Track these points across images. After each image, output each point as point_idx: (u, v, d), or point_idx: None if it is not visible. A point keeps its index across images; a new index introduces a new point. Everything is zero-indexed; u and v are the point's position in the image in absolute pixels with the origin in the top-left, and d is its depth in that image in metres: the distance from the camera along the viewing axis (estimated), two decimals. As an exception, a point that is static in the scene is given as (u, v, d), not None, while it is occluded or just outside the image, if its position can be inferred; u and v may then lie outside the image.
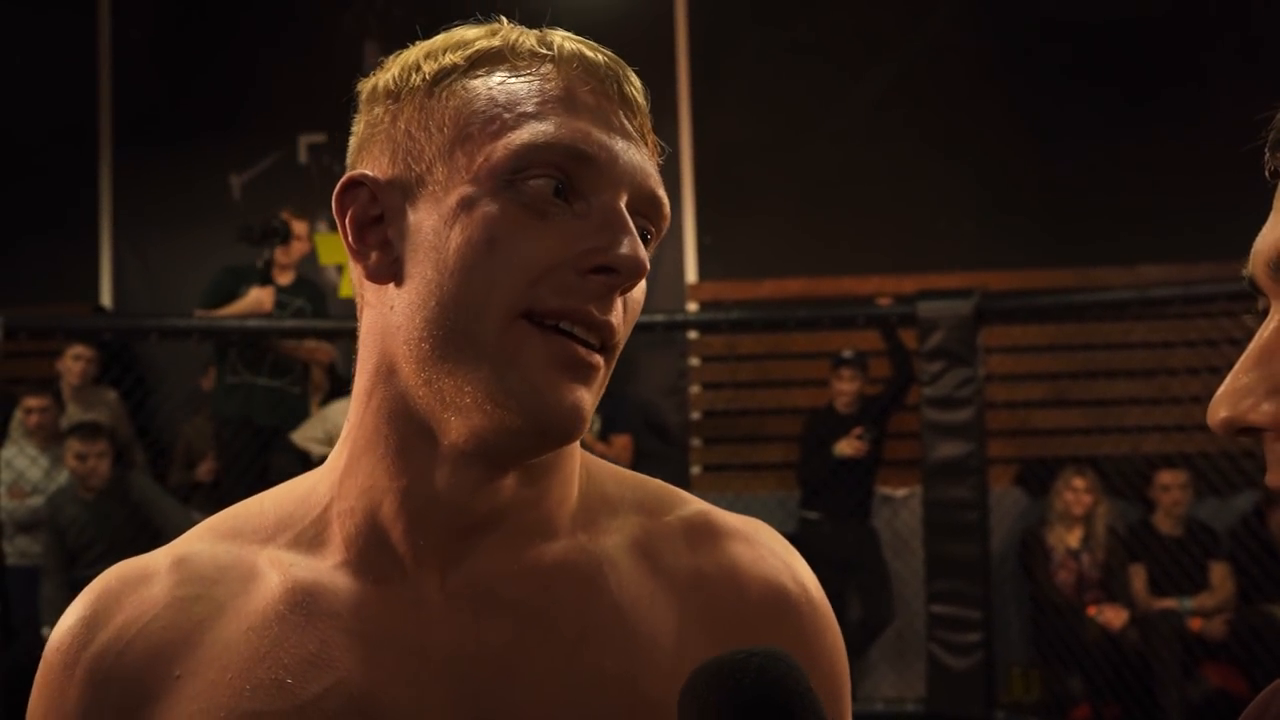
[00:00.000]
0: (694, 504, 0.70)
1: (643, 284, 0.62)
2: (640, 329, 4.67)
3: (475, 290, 0.58)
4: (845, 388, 4.63)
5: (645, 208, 0.62)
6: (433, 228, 0.59)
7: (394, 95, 0.63)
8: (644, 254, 0.59)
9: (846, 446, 4.52)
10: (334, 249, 5.34)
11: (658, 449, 5.07)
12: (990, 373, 4.41)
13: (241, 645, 0.61)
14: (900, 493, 4.84)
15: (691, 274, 5.27)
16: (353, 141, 0.65)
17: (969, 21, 5.18)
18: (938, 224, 5.11)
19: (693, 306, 5.23)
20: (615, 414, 4.73)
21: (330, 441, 3.98)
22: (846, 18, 5.21)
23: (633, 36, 5.14)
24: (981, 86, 5.14)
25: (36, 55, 5.45)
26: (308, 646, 0.61)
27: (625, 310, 0.61)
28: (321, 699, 0.60)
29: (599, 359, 0.60)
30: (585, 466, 0.68)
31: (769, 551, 0.68)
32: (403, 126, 0.62)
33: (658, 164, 0.64)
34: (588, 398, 0.60)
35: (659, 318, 4.56)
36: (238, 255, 4.63)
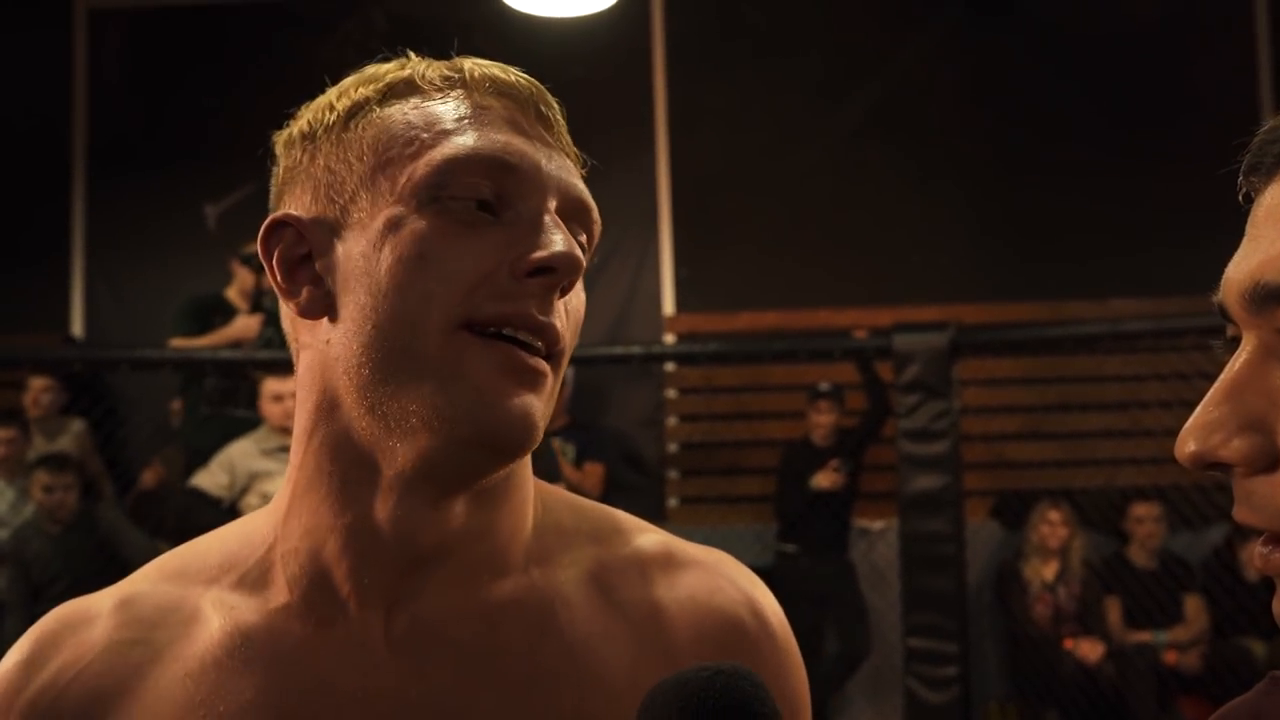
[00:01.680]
0: (652, 534, 0.68)
1: (583, 294, 0.62)
2: (617, 361, 4.71)
3: (411, 307, 0.57)
4: (822, 420, 4.64)
5: (575, 213, 0.62)
6: (362, 253, 0.59)
7: (310, 136, 0.63)
8: (578, 250, 0.59)
9: (823, 479, 4.53)
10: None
11: (634, 480, 5.06)
12: (965, 405, 4.43)
13: (178, 692, 0.60)
14: (877, 525, 4.84)
15: (669, 306, 5.28)
16: (273, 188, 0.65)
17: (945, 56, 5.26)
18: (913, 257, 5.15)
19: (670, 338, 5.23)
20: (590, 443, 4.71)
21: (234, 485, 3.94)
22: (823, 51, 5.27)
23: (609, 69, 5.18)
24: (956, 121, 5.21)
25: (9, 80, 5.42)
26: (245, 694, 0.60)
27: (568, 316, 0.61)
28: None
29: (545, 365, 0.59)
30: (541, 497, 0.67)
31: (728, 582, 0.67)
32: (322, 163, 0.62)
33: (582, 174, 0.64)
34: (537, 405, 0.59)
35: (636, 349, 4.57)
36: (212, 284, 4.61)
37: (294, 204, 0.63)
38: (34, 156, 5.54)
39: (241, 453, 3.98)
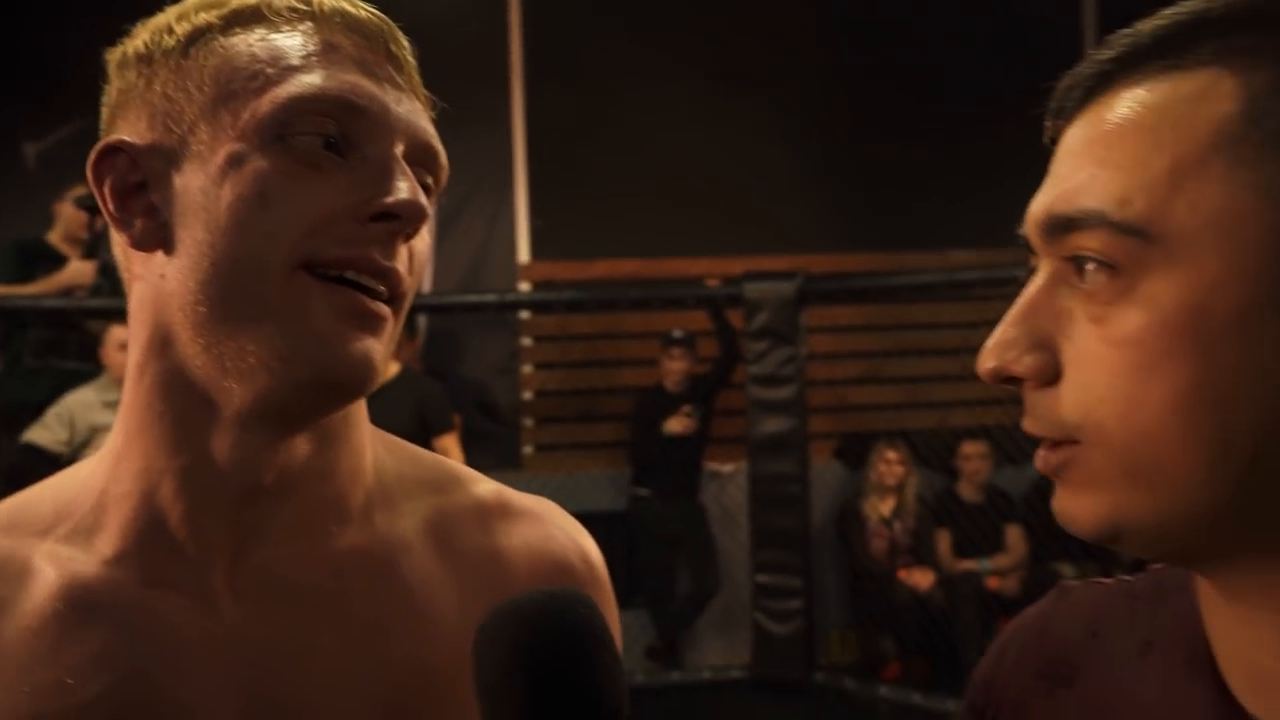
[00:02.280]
0: (486, 484, 0.70)
1: (427, 237, 0.62)
2: (472, 309, 4.67)
3: (251, 246, 0.56)
4: (674, 367, 4.73)
5: (423, 158, 0.61)
6: (200, 188, 0.57)
7: (146, 59, 0.60)
8: (423, 198, 0.58)
9: (676, 424, 4.63)
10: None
11: (489, 429, 5.05)
12: (811, 351, 4.60)
13: (19, 647, 0.59)
14: (727, 468, 5.00)
15: (524, 254, 5.26)
16: (105, 110, 0.62)
17: (796, 12, 5.36)
18: (764, 209, 5.28)
19: (525, 287, 5.22)
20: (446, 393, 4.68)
21: (73, 440, 3.73)
22: (686, 4, 5.29)
23: (466, 14, 5.07)
24: (807, 77, 5.33)
25: None
26: (88, 645, 0.59)
27: (411, 260, 0.60)
28: (104, 698, 0.58)
29: (387, 309, 0.59)
30: (383, 443, 0.68)
31: (558, 530, 0.69)
32: (159, 89, 0.59)
33: (431, 118, 0.63)
34: (378, 348, 0.58)
35: (491, 298, 4.55)
36: (32, 229, 4.32)
37: (128, 129, 0.60)
38: None
39: (81, 404, 3.77)
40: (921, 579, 4.58)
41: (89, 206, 4.15)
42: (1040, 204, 0.49)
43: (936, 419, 4.96)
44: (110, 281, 4.38)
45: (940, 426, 4.92)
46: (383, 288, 0.58)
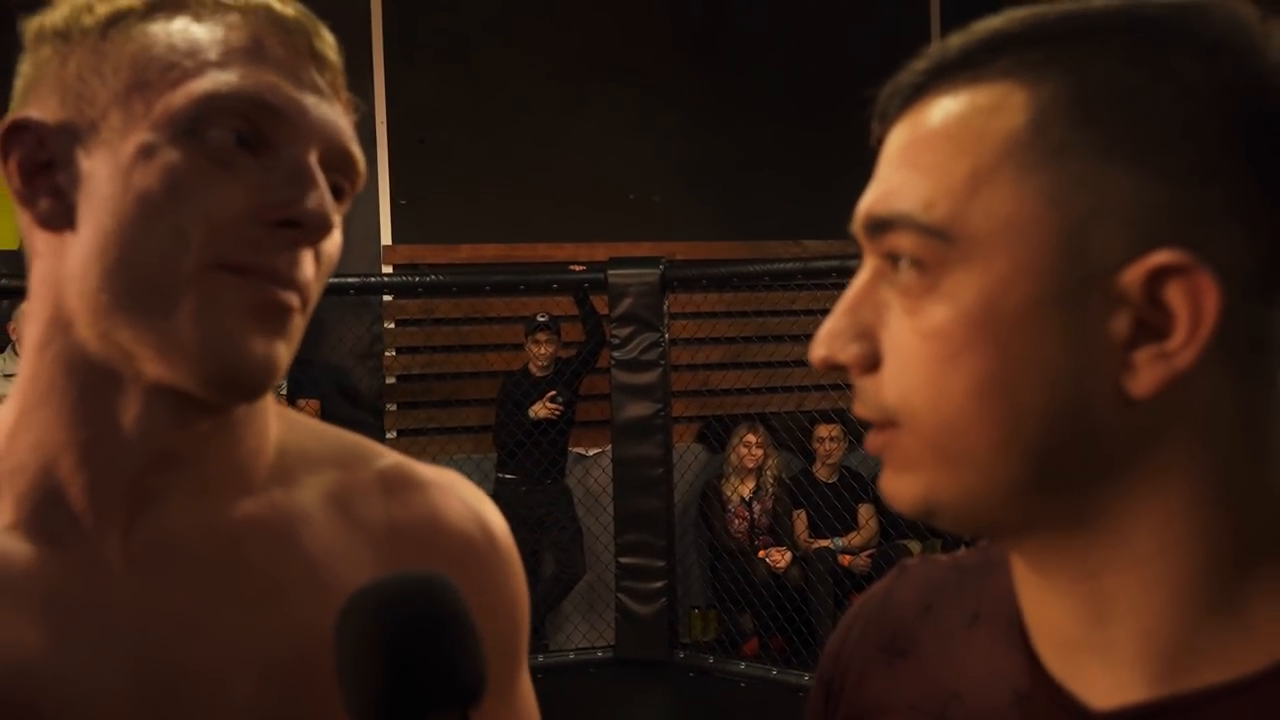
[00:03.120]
0: (390, 456, 0.71)
1: (338, 238, 0.62)
2: (333, 292, 4.56)
3: (158, 240, 0.56)
4: (539, 351, 4.73)
5: (338, 163, 0.61)
6: (108, 176, 0.57)
7: (63, 36, 0.59)
8: (331, 209, 0.58)
9: (541, 409, 4.63)
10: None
11: (350, 414, 4.96)
12: (674, 337, 4.69)
13: None
14: (592, 452, 5.04)
15: (387, 236, 5.17)
16: (18, 84, 0.61)
17: (664, 1, 5.41)
18: (629, 196, 5.32)
19: (388, 269, 5.13)
20: (304, 378, 4.56)
21: None
22: (543, -12, 5.28)
23: (322, -14, 4.92)
24: (671, 66, 5.40)
25: None
26: None
27: (319, 264, 0.60)
28: None
29: (296, 301, 0.59)
30: (285, 421, 0.68)
31: (459, 501, 0.70)
32: (73, 69, 0.58)
33: (352, 120, 0.63)
34: (282, 349, 0.58)
35: (352, 280, 4.45)
36: None
37: (39, 106, 0.59)
38: None
39: None
40: (779, 558, 4.72)
41: None
42: (863, 204, 0.53)
43: (794, 402, 5.12)
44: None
45: (797, 410, 5.07)
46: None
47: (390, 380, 5.15)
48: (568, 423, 4.75)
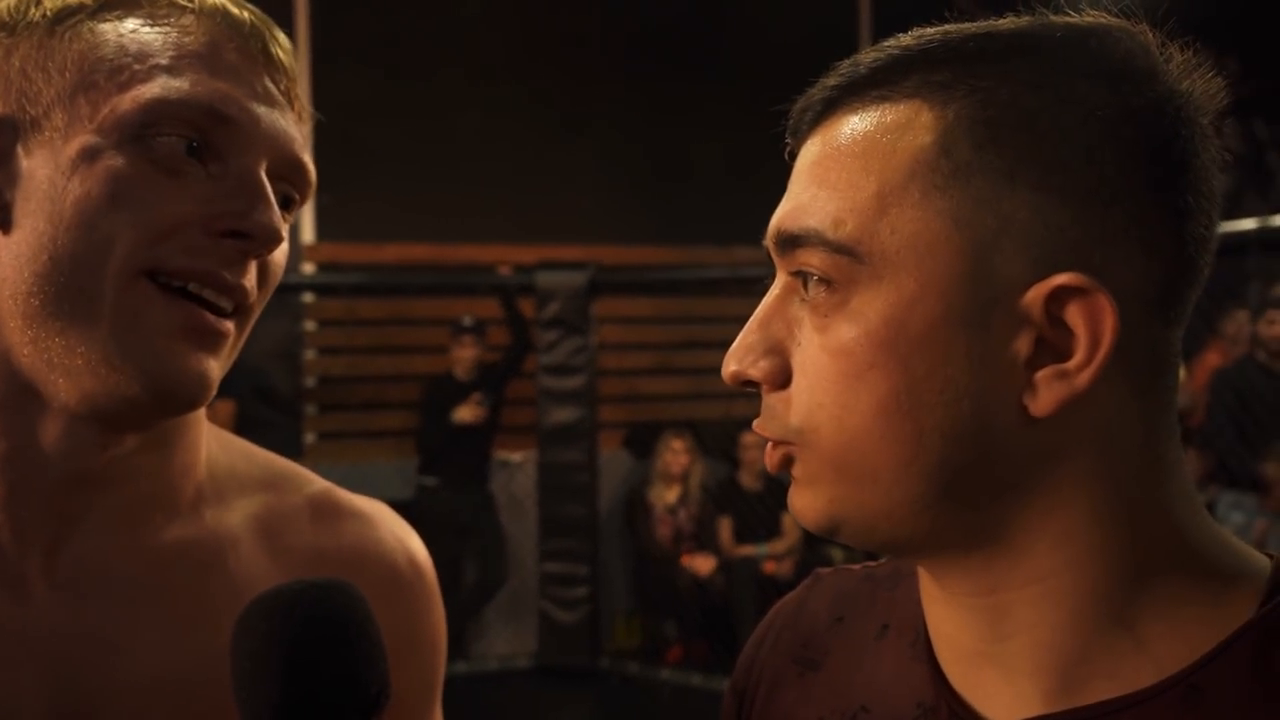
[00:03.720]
0: (318, 484, 0.71)
1: (285, 249, 0.61)
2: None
3: (94, 246, 0.54)
4: (464, 355, 4.68)
5: (288, 173, 0.60)
6: (48, 177, 0.55)
7: (8, 27, 0.57)
8: (279, 222, 0.57)
9: (465, 413, 4.58)
10: None
11: (268, 416, 4.83)
12: (602, 342, 4.67)
13: None
14: (516, 457, 4.99)
15: (309, 234, 5.05)
16: None
17: (592, 6, 5.40)
18: (557, 198, 5.29)
19: (309, 268, 5.02)
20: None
21: None
22: (474, -12, 5.22)
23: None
24: (602, 69, 5.39)
25: None
26: None
27: (266, 274, 0.60)
28: None
29: (229, 325, 0.58)
30: (216, 439, 0.67)
31: (387, 532, 0.70)
32: (17, 63, 0.57)
33: (305, 128, 0.62)
34: (214, 366, 0.58)
35: (272, 279, 4.33)
36: None
37: None
38: None
39: None
40: (703, 564, 4.73)
41: None
42: (775, 220, 0.53)
43: (721, 410, 5.14)
44: None
45: (724, 417, 5.10)
46: (227, 303, 0.57)
47: (310, 382, 5.04)
48: (492, 427, 4.70)
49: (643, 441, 5.05)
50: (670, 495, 4.89)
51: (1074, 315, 0.47)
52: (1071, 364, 0.47)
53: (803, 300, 0.51)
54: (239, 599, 0.61)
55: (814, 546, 4.79)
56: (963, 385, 0.48)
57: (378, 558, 0.69)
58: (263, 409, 4.85)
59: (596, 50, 5.40)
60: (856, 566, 0.67)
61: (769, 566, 4.75)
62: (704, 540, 4.86)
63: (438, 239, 5.13)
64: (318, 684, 0.48)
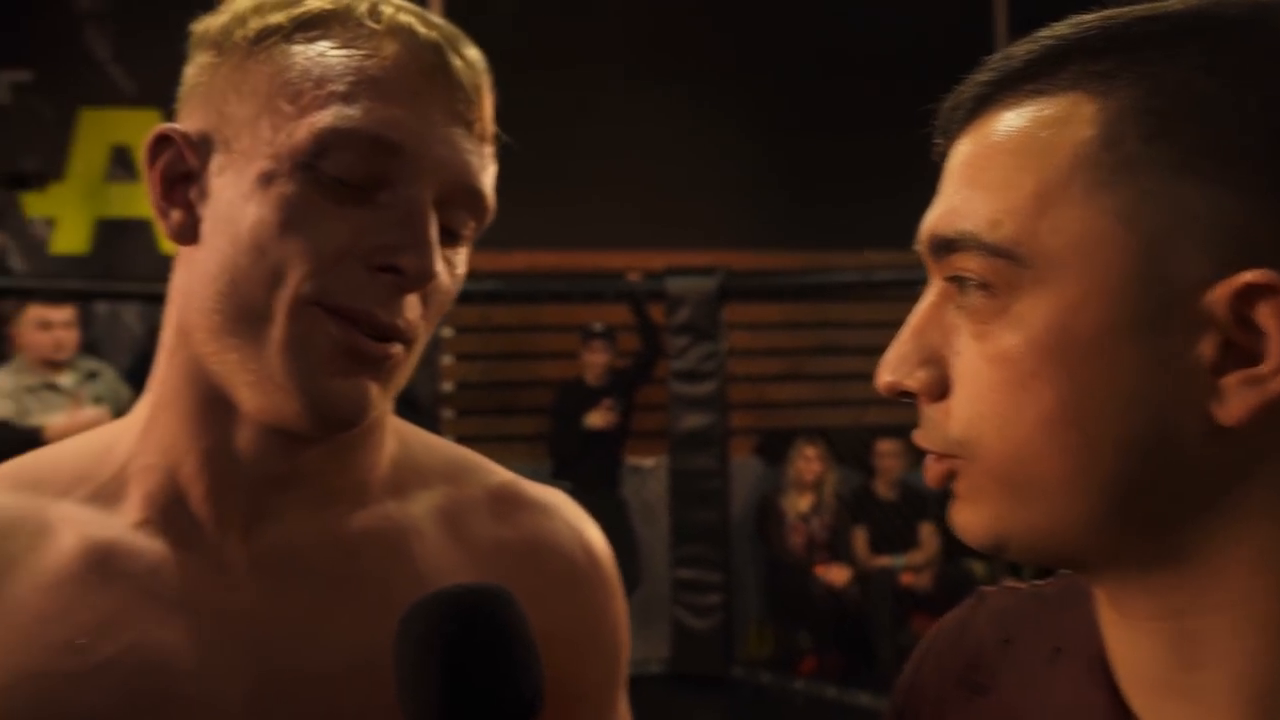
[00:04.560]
0: (500, 474, 0.72)
1: (460, 269, 0.62)
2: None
3: (266, 272, 0.57)
4: (595, 360, 4.71)
5: (462, 198, 0.60)
6: (230, 200, 0.58)
7: (218, 46, 0.61)
8: (432, 260, 0.57)
9: (596, 418, 4.61)
10: (45, 200, 4.85)
11: (408, 419, 4.97)
12: (732, 348, 4.63)
13: (32, 604, 0.59)
14: (648, 463, 5.00)
15: (444, 244, 5.19)
16: (182, 86, 0.63)
17: (723, 11, 5.38)
18: (687, 203, 5.29)
19: (445, 277, 5.15)
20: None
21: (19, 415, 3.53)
22: (610, 1, 5.27)
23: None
24: (733, 74, 5.36)
25: None
26: (102, 607, 0.60)
27: (431, 302, 0.60)
28: (114, 661, 0.58)
29: (393, 348, 0.59)
30: (399, 433, 0.69)
31: (565, 524, 0.71)
32: (220, 85, 0.60)
33: (488, 149, 0.62)
34: (374, 388, 0.59)
35: (410, 288, 4.47)
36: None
37: (188, 115, 0.61)
38: None
39: (3, 386, 3.57)
40: (838, 574, 4.64)
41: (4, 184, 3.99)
42: (926, 223, 0.51)
43: (853, 416, 5.04)
44: None
45: (857, 424, 4.99)
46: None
47: (448, 387, 5.17)
48: (623, 433, 4.72)
49: (774, 448, 4.99)
50: (803, 503, 4.82)
51: (1265, 315, 0.43)
52: (1265, 368, 0.43)
53: (959, 306, 0.49)
54: (423, 588, 0.62)
55: (954, 559, 4.63)
56: (1136, 393, 0.45)
57: (555, 549, 0.69)
58: (404, 412, 4.99)
59: (725, 53, 5.37)
60: (1023, 585, 0.64)
61: (906, 578, 4.62)
62: (838, 550, 4.76)
63: (566, 245, 5.19)
64: (472, 689, 0.49)
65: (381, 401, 0.60)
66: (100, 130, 5.03)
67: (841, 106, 5.37)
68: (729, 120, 5.31)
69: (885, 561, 4.68)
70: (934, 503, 4.82)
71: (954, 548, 4.63)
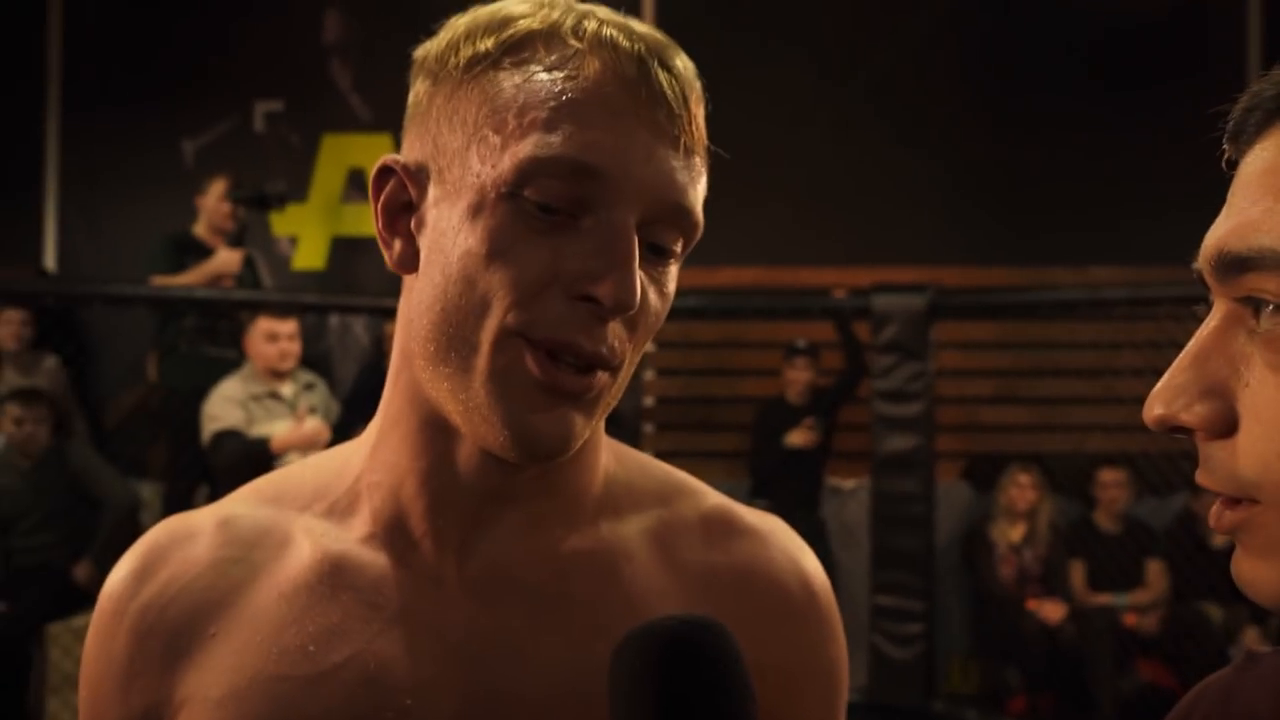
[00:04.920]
0: (713, 497, 0.71)
1: (670, 287, 0.61)
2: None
3: (474, 303, 0.58)
4: (797, 378, 4.66)
5: (669, 216, 0.60)
6: (444, 230, 0.60)
7: (433, 73, 0.62)
8: (631, 288, 0.57)
9: (797, 437, 4.55)
10: (288, 220, 5.26)
11: (610, 434, 5.07)
12: (941, 368, 4.46)
13: (272, 610, 0.63)
14: (849, 484, 4.88)
15: (649, 259, 5.26)
16: (406, 113, 0.65)
17: (934, 18, 5.21)
18: (894, 217, 5.15)
19: (649, 292, 5.22)
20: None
21: (249, 425, 3.79)
22: (814, 12, 5.22)
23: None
24: (944, 83, 5.18)
25: (-17, 9, 5.29)
26: (331, 616, 0.63)
27: (636, 327, 0.60)
28: (340, 669, 0.61)
29: (594, 380, 0.59)
30: (614, 452, 0.70)
31: (780, 552, 0.70)
32: (434, 115, 0.62)
33: (697, 162, 0.61)
34: (579, 420, 0.60)
35: (615, 302, 4.55)
36: (189, 220, 4.56)
37: (409, 146, 0.64)
38: (7, 85, 5.42)
39: (232, 396, 3.88)
40: (1052, 610, 4.37)
41: (240, 199, 4.36)
42: (1213, 238, 0.45)
43: (1072, 443, 4.75)
44: (253, 272, 4.58)
45: (1075, 451, 4.70)
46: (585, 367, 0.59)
47: (649, 402, 5.23)
48: (824, 452, 4.63)
49: (984, 473, 4.76)
50: (1015, 533, 4.57)
51: None
52: None
53: (1253, 333, 0.44)
54: (634, 611, 0.63)
55: (1185, 600, 4.27)
56: None
57: (768, 578, 0.68)
58: (607, 427, 5.10)
59: (935, 60, 5.20)
60: None
61: (1130, 619, 4.30)
62: (1052, 584, 4.48)
63: (770, 261, 5.15)
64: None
65: (587, 429, 0.61)
66: (339, 154, 5.41)
67: (1062, 111, 5.09)
68: (940, 128, 5.13)
69: (1106, 599, 4.37)
70: (1163, 538, 4.47)
71: (1185, 588, 4.27)
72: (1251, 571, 0.44)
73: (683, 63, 0.61)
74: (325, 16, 5.27)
